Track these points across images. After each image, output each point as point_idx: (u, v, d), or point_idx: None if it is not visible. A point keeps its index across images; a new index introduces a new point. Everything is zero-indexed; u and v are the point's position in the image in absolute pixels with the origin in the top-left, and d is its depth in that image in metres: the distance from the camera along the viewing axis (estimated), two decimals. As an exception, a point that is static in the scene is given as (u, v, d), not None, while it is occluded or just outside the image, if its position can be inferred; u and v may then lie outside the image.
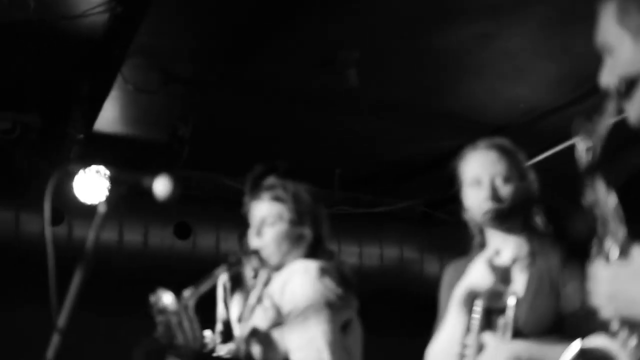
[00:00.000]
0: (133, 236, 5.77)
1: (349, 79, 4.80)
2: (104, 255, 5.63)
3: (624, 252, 1.95)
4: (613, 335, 1.96)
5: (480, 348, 2.73)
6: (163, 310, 3.09)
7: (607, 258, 1.96)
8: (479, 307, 2.77)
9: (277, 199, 3.24)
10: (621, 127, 2.08)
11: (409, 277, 6.30)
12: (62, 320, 2.49)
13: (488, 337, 2.74)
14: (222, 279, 3.35)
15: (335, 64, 4.77)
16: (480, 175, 2.88)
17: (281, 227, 3.22)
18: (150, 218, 5.85)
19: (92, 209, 5.39)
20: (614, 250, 1.96)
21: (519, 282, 2.81)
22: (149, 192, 2.62)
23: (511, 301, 2.75)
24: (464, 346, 2.77)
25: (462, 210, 2.95)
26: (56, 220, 5.52)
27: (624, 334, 1.96)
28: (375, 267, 6.16)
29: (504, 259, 2.84)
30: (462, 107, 5.44)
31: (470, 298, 2.79)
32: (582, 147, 1.99)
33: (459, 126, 5.49)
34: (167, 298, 3.13)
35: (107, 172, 2.63)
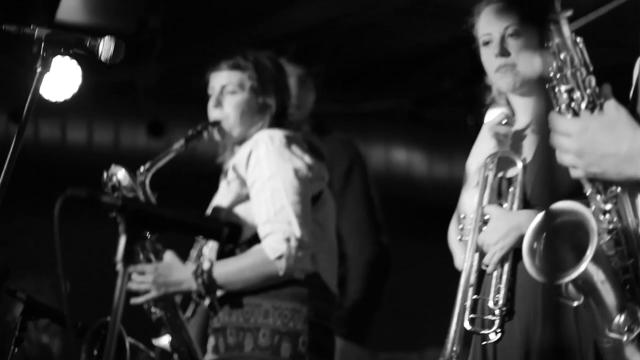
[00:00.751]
0: (104, 135, 5.51)
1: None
2: (73, 155, 5.43)
3: (595, 104, 1.76)
4: (587, 199, 1.81)
5: (484, 220, 2.55)
6: (117, 187, 2.93)
7: (576, 111, 1.76)
8: (481, 176, 2.61)
9: (236, 66, 3.04)
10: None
11: (395, 178, 6.08)
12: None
13: (492, 209, 2.56)
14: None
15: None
16: (490, 31, 2.66)
17: (242, 96, 3.03)
18: (122, 116, 5.59)
19: (59, 107, 5.15)
20: (582, 103, 1.76)
21: (530, 146, 2.61)
22: (92, 52, 2.36)
23: (519, 167, 2.57)
24: (464, 218, 2.61)
25: (485, 76, 2.74)
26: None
27: (598, 198, 1.80)
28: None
29: (520, 123, 2.65)
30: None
31: (470, 170, 2.64)
32: None
33: (449, 17, 5.19)
34: (121, 173, 2.97)
35: (44, 33, 2.35)
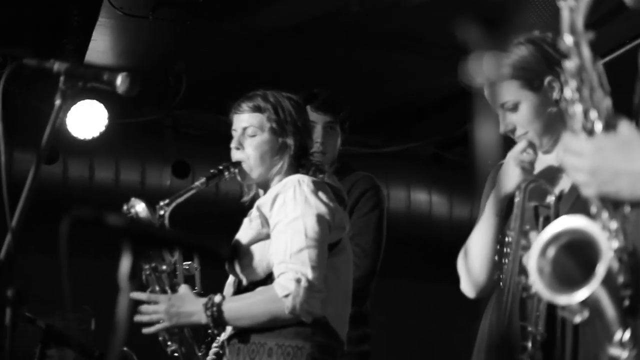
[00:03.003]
0: (130, 175, 5.64)
1: (351, 4, 4.59)
2: (99, 195, 5.54)
3: (609, 125, 1.77)
4: (594, 218, 1.80)
5: (523, 247, 2.58)
6: (135, 219, 3.00)
7: (590, 131, 1.78)
8: (518, 202, 2.65)
9: (256, 108, 3.10)
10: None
11: (417, 220, 6.11)
12: (14, 221, 2.32)
13: (533, 235, 2.58)
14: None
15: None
16: (492, 104, 2.77)
17: (262, 137, 3.08)
18: (148, 157, 5.71)
19: (87, 144, 5.28)
20: (598, 123, 1.77)
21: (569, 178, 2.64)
22: (110, 86, 2.44)
23: (550, 199, 2.62)
24: (504, 245, 2.64)
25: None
26: (50, 158, 5.37)
27: (605, 216, 1.79)
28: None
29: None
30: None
31: (497, 198, 2.71)
32: (566, 6, 1.79)
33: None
34: (140, 207, 3.04)
35: (63, 66, 2.44)
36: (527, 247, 2.58)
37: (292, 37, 5.16)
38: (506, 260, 2.64)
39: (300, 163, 3.09)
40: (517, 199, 2.66)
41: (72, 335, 3.14)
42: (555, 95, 2.69)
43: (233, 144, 3.11)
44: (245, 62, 5.41)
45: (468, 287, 2.79)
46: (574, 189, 2.59)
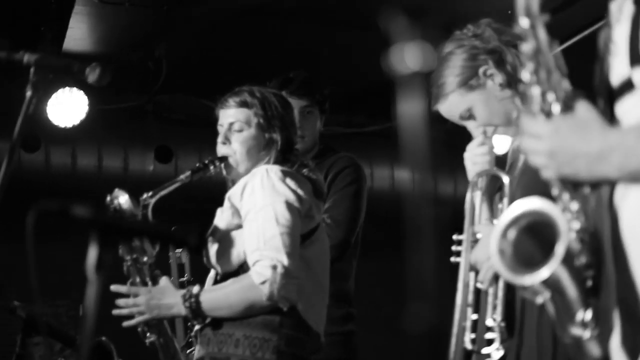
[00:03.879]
0: (113, 162, 5.65)
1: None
2: (83, 181, 5.55)
3: (567, 107, 1.77)
4: (555, 199, 1.80)
5: (474, 240, 2.61)
6: (118, 211, 3.00)
7: (548, 113, 1.77)
8: (468, 197, 2.67)
9: (243, 103, 3.09)
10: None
11: (400, 198, 6.13)
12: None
13: (482, 226, 2.61)
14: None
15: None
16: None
17: (249, 132, 3.08)
18: (130, 142, 5.73)
19: (68, 132, 5.29)
20: (555, 105, 1.77)
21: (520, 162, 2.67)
22: (80, 76, 2.45)
23: (505, 181, 2.61)
24: (457, 243, 2.66)
25: None
26: (32, 147, 5.38)
27: (566, 197, 1.79)
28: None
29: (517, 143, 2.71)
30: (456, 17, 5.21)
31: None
32: None
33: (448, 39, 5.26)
34: (123, 198, 3.04)
35: (32, 58, 2.45)
36: (475, 243, 2.60)
37: (270, 19, 5.16)
38: (457, 259, 2.65)
39: (285, 158, 3.09)
40: (468, 193, 2.67)
41: (53, 324, 3.14)
42: (497, 80, 2.68)
43: (219, 139, 3.11)
44: (224, 45, 5.41)
45: None
46: (521, 169, 2.60)
